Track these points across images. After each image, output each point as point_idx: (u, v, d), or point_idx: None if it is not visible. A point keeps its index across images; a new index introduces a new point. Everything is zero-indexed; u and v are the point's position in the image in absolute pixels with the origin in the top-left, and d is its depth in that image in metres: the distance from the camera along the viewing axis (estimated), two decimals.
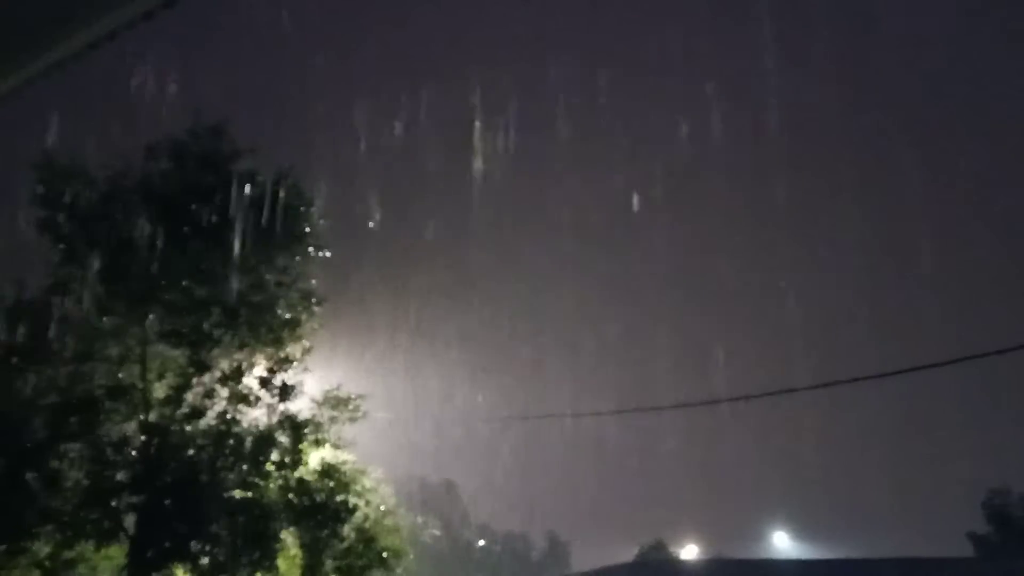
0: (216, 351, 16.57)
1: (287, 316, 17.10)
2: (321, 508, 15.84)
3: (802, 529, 59.06)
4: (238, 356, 16.55)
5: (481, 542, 69.66)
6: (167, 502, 15.06)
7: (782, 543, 57.77)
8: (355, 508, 16.20)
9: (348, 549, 16.03)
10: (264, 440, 15.78)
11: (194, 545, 15.01)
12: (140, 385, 15.98)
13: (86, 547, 15.33)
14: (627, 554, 62.23)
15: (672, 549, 63.79)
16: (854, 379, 16.33)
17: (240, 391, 16.06)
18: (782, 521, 59.81)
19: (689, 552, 61.06)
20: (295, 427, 16.10)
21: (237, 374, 16.17)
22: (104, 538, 15.12)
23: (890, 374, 15.78)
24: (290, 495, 15.85)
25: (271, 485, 15.91)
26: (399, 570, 17.06)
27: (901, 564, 35.19)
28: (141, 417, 15.76)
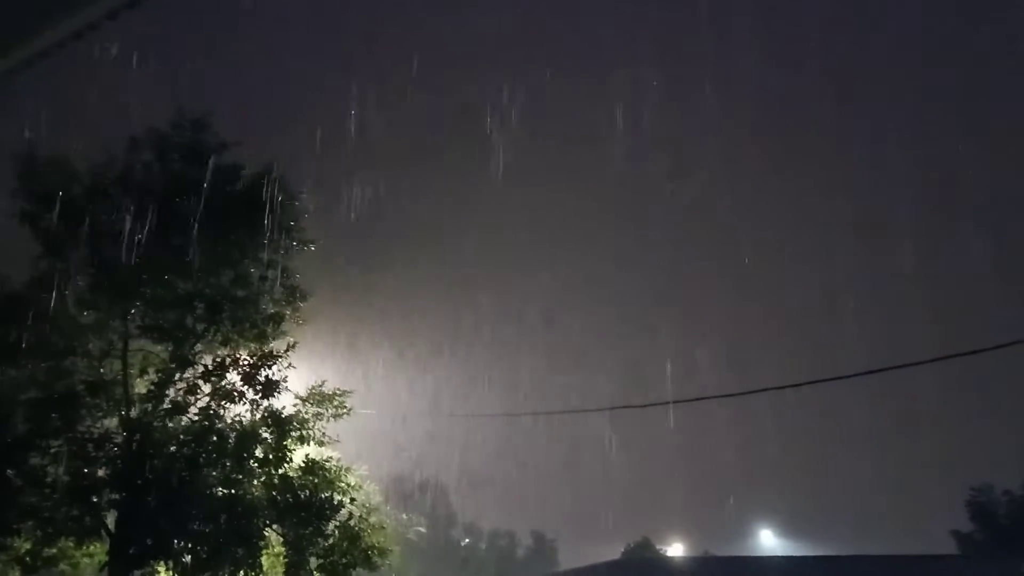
0: (199, 346, 16.46)
1: (271, 311, 16.99)
2: (305, 505, 15.69)
3: (788, 527, 59.30)
4: (221, 351, 16.42)
5: (466, 540, 69.55)
6: (149, 499, 14.92)
7: (768, 541, 58.01)
8: (340, 505, 16.07)
9: (332, 547, 15.89)
10: (247, 436, 15.62)
11: (176, 543, 14.88)
12: (121, 381, 15.82)
13: (67, 544, 15.21)
14: (613, 552, 62.35)
15: (659, 547, 63.93)
16: (839, 377, 16.37)
17: (223, 387, 15.91)
18: (768, 519, 59.95)
19: (675, 550, 61.25)
20: (279, 423, 15.94)
21: (220, 370, 16.00)
22: (85, 535, 14.99)
23: (874, 372, 15.83)
24: (274, 492, 15.70)
25: (254, 482, 15.79)
26: (384, 568, 16.97)
27: (886, 561, 35.35)
28: (122, 413, 15.61)
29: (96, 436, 15.40)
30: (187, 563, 14.81)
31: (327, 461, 16.44)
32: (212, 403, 15.79)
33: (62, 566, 15.76)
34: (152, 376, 15.98)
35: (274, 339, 16.84)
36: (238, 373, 16.09)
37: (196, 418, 15.67)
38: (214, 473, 15.46)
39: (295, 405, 16.54)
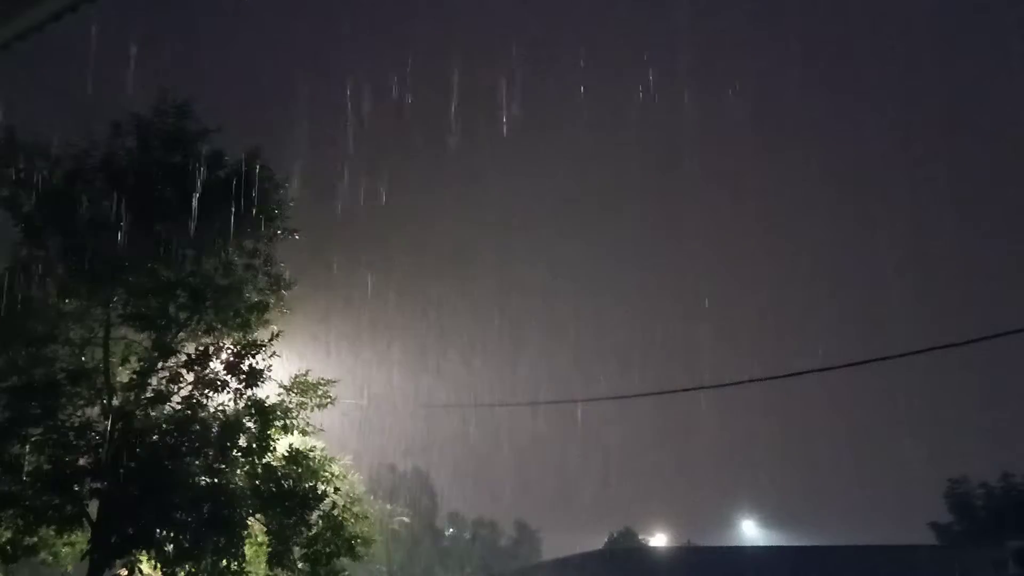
0: (182, 335, 16.31)
1: (255, 300, 16.84)
2: (289, 495, 15.62)
3: (770, 517, 59.74)
4: (204, 340, 16.29)
5: (450, 530, 69.64)
6: (131, 488, 14.80)
7: (750, 531, 58.47)
8: (323, 495, 16.01)
9: (316, 536, 15.84)
10: (231, 426, 15.52)
11: (158, 532, 14.78)
12: (103, 369, 15.68)
13: (47, 533, 15.04)
14: (597, 542, 62.70)
15: (641, 537, 64.31)
16: (821, 369, 16.46)
17: (206, 376, 15.77)
18: (750, 509, 60.40)
19: (658, 540, 61.65)
20: (262, 413, 15.83)
21: (203, 358, 15.86)
22: (66, 524, 14.82)
23: (855, 364, 15.93)
24: (257, 482, 15.62)
25: (238, 471, 15.69)
26: (367, 557, 16.94)
27: (866, 552, 35.74)
28: (104, 401, 15.47)
29: (77, 424, 15.25)
30: (169, 552, 14.70)
31: (311, 451, 16.37)
32: (195, 392, 15.66)
33: (43, 555, 15.63)
34: (134, 364, 15.85)
35: (258, 328, 16.72)
36: (221, 362, 15.96)
37: (179, 407, 15.55)
38: (197, 462, 15.35)
39: (279, 394, 16.45)
